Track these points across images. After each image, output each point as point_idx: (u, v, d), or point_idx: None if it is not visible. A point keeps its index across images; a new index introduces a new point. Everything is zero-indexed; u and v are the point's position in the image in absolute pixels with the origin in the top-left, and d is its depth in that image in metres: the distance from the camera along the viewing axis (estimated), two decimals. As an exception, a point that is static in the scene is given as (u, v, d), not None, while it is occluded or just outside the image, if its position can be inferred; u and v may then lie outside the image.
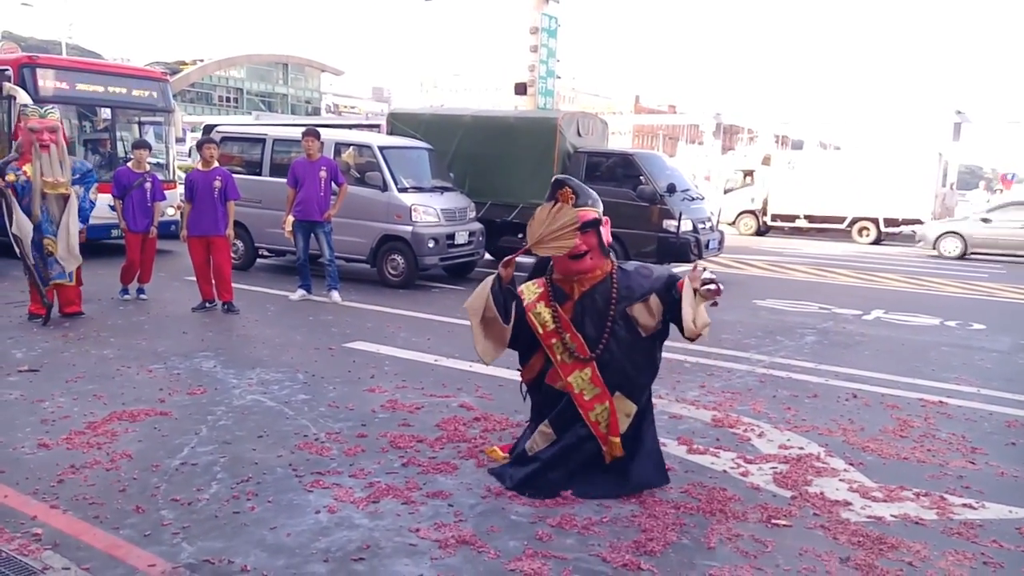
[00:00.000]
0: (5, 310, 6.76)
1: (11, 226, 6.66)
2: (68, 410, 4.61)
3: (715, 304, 3.55)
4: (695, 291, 3.48)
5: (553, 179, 3.79)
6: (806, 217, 22.05)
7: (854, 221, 21.39)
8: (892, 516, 3.56)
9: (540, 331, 3.72)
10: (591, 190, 3.82)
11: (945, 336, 7.97)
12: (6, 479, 3.61)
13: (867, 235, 21.23)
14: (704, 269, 3.56)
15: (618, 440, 3.66)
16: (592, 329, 3.67)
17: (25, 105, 6.97)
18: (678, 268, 11.84)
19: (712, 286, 3.43)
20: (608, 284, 3.73)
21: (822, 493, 3.78)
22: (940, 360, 6.86)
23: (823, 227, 22.15)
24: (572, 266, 3.70)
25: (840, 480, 3.97)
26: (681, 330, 3.56)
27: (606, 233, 3.78)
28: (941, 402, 5.48)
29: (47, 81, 10.63)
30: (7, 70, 10.43)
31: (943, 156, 21.86)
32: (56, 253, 6.78)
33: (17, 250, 6.77)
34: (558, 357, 3.69)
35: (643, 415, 3.76)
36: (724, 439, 4.54)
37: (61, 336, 6.46)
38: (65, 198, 6.76)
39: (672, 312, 3.64)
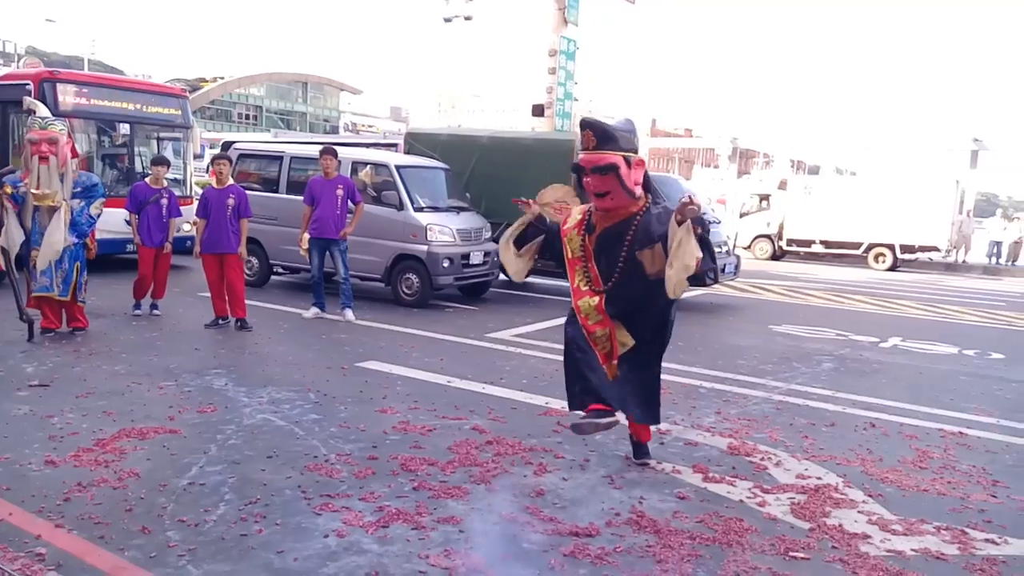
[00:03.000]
0: (17, 324, 6.75)
1: (1, 238, 6.65)
2: (77, 426, 4.58)
3: (700, 234, 3.59)
4: (679, 223, 3.57)
5: (580, 120, 3.88)
6: (822, 242, 21.92)
7: (870, 247, 21.23)
8: (912, 550, 3.46)
9: (568, 255, 4.04)
10: (621, 131, 3.81)
11: (963, 365, 7.84)
12: (11, 496, 3.58)
13: (883, 261, 21.06)
14: (687, 195, 3.68)
15: (615, 363, 3.99)
16: (606, 265, 3.92)
17: (42, 118, 6.99)
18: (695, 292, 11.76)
19: (691, 206, 3.50)
20: (628, 225, 3.85)
21: (841, 525, 3.69)
22: (959, 390, 6.73)
23: (839, 252, 22.00)
24: (597, 203, 3.90)
25: (859, 512, 3.87)
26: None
27: (635, 174, 3.80)
28: (960, 433, 5.37)
29: (67, 96, 10.74)
30: (28, 84, 10.55)
31: (960, 183, 21.71)
32: (36, 263, 6.75)
33: (2, 263, 6.74)
34: (576, 282, 4.02)
35: (647, 354, 4.05)
36: (740, 468, 4.45)
37: (72, 351, 6.46)
38: (54, 210, 6.71)
39: None
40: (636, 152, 3.85)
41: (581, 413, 4.14)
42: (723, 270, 10.79)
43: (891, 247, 20.88)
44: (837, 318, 10.75)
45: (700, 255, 3.56)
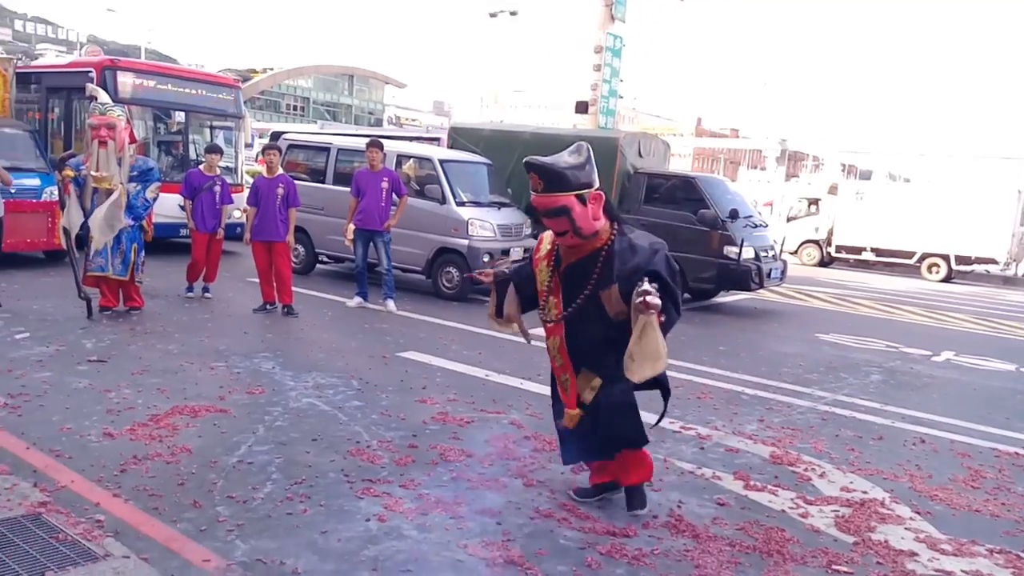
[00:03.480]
0: (78, 302, 6.98)
1: (62, 218, 6.95)
2: (133, 401, 4.73)
3: (663, 321, 3.34)
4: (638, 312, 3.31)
5: (524, 162, 3.57)
6: (873, 250, 21.44)
7: (924, 256, 20.70)
8: (963, 572, 3.39)
9: (539, 285, 3.82)
10: (569, 168, 3.48)
11: (1020, 383, 7.62)
12: (73, 465, 3.72)
13: (937, 272, 20.51)
14: (643, 283, 3.32)
15: (575, 412, 3.68)
16: (570, 301, 3.67)
17: (101, 104, 7.21)
18: (734, 296, 11.63)
19: (646, 297, 3.23)
20: (593, 262, 3.59)
21: (886, 541, 3.63)
22: (1015, 408, 6.55)
23: (890, 261, 21.51)
24: (559, 240, 3.68)
25: (906, 528, 3.80)
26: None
27: (592, 210, 3.51)
28: (1016, 454, 5.22)
29: (126, 83, 11.02)
30: (90, 72, 10.87)
31: (1023, 194, 21.05)
32: (92, 243, 6.96)
33: (64, 242, 7.01)
34: (543, 316, 3.78)
35: (611, 382, 3.62)
36: (783, 477, 4.40)
37: (129, 329, 6.65)
38: (110, 193, 6.90)
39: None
40: (592, 185, 3.52)
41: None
42: (769, 275, 10.63)
43: (946, 257, 20.34)
44: (887, 329, 10.53)
45: (665, 347, 3.35)
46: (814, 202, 23.20)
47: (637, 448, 3.74)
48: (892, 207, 21.11)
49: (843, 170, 48.06)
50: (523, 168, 3.60)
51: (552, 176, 3.47)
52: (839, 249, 21.98)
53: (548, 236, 3.79)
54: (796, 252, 22.29)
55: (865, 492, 4.25)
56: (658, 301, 3.24)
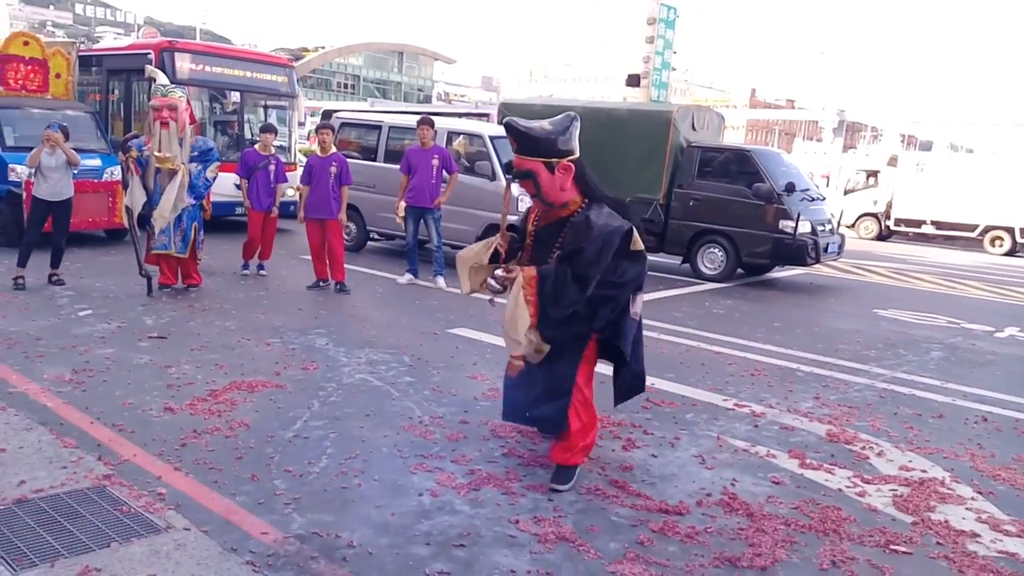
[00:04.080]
0: (139, 280, 7.19)
1: (125, 198, 7.18)
2: (192, 377, 4.87)
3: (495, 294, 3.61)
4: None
5: (503, 122, 3.67)
6: (933, 223, 20.75)
7: (987, 230, 19.96)
8: (1027, 553, 3.29)
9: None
10: (544, 135, 3.53)
11: (1090, 360, 7.31)
12: (135, 439, 3.85)
13: (1000, 245, 19.77)
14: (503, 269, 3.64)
15: (519, 363, 3.63)
16: (536, 263, 3.67)
17: (163, 86, 7.38)
18: (786, 272, 11.37)
19: (489, 279, 3.60)
20: (558, 229, 3.64)
21: (947, 521, 3.54)
22: (1084, 386, 6.29)
23: (952, 235, 20.80)
24: (533, 202, 3.78)
25: (967, 509, 3.70)
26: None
27: (560, 179, 3.55)
28: (1085, 433, 5.03)
29: (184, 65, 11.22)
30: (149, 54, 11.10)
31: (1093, 164, 20.07)
32: (155, 223, 7.14)
33: (126, 222, 7.23)
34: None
35: (554, 357, 3.65)
36: (839, 455, 4.32)
37: (187, 306, 6.83)
38: (174, 173, 7.07)
39: None
40: (567, 155, 3.55)
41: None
42: (826, 249, 10.38)
43: (1010, 230, 19.57)
44: (948, 304, 10.20)
45: (517, 325, 3.44)
46: (872, 174, 22.53)
47: (555, 432, 3.79)
48: (954, 179, 20.37)
49: (902, 141, 46.48)
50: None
51: (525, 140, 3.55)
52: (898, 222, 21.33)
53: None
54: (853, 226, 21.70)
55: (924, 471, 4.14)
56: (497, 287, 3.56)
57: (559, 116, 3.63)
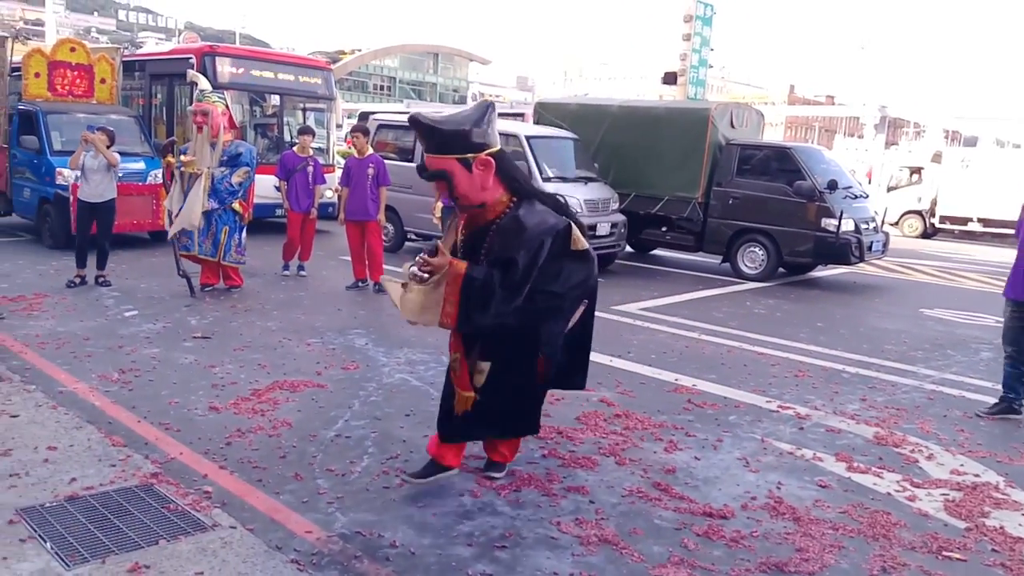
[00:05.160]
0: (181, 281, 7.31)
1: (166, 201, 7.34)
2: (235, 376, 4.94)
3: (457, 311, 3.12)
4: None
5: (408, 117, 3.29)
6: (980, 220, 20.22)
7: (1036, 227, 19.41)
8: (1089, 562, 3.17)
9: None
10: (454, 128, 3.12)
11: None
12: (181, 437, 3.91)
13: (1051, 243, 19.20)
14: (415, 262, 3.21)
15: (468, 395, 3.33)
16: None
17: (201, 91, 7.48)
18: (828, 271, 11.17)
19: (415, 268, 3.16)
20: (484, 234, 3.23)
21: (1002, 527, 3.43)
22: None
23: (999, 232, 20.24)
24: (455, 205, 3.36)
25: (1024, 515, 3.59)
26: None
27: (480, 178, 3.12)
28: None
29: (225, 68, 11.40)
30: (191, 58, 11.30)
31: None
32: (177, 222, 7.21)
33: (166, 224, 7.37)
34: None
35: (506, 368, 3.31)
36: (888, 459, 4.22)
37: (230, 307, 6.93)
38: (198, 177, 7.12)
39: None
40: (484, 148, 3.13)
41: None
42: (869, 248, 10.16)
43: (1061, 228, 19.01)
44: (996, 303, 9.83)
45: (412, 310, 3.15)
46: (916, 171, 22.03)
47: (526, 435, 3.65)
48: (1001, 175, 19.82)
49: (946, 137, 45.44)
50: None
51: (435, 136, 3.12)
52: (943, 220, 20.82)
53: None
54: (897, 223, 21.25)
55: (977, 475, 4.03)
56: (420, 274, 3.12)
57: (471, 106, 3.30)
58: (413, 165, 10.52)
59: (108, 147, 7.41)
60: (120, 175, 7.68)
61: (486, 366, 3.31)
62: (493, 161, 3.14)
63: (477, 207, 3.20)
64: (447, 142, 3.11)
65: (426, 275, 3.13)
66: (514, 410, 3.46)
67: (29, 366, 4.90)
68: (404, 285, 3.19)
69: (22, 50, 11.45)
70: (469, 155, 3.10)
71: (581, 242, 3.20)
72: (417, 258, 3.16)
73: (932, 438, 4.59)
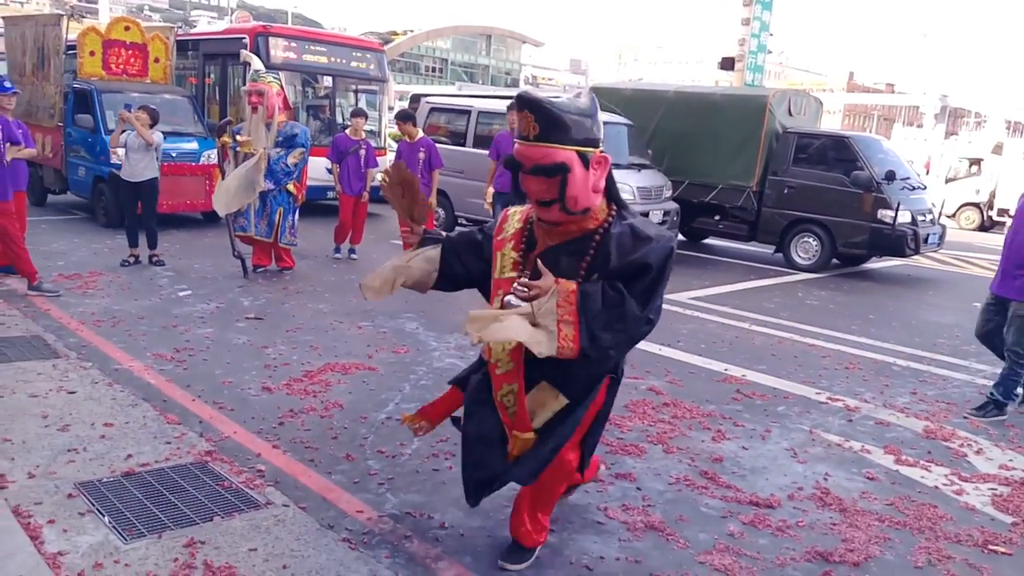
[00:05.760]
0: (234, 262, 7.46)
1: (221, 181, 7.39)
2: (288, 357, 5.06)
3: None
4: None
5: (517, 96, 2.66)
6: (1041, 213, 19.51)
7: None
8: None
9: (496, 273, 2.90)
10: (575, 115, 2.56)
11: None
12: (235, 416, 4.04)
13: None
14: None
15: (527, 436, 2.75)
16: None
17: (256, 71, 7.57)
18: (886, 262, 10.91)
19: (517, 292, 2.61)
20: (583, 247, 2.67)
21: (1053, 525, 3.37)
22: None
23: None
24: (539, 212, 2.71)
25: (1077, 515, 3.52)
26: None
27: (595, 177, 2.61)
28: None
29: (277, 49, 11.43)
30: (244, 38, 11.41)
31: None
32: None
33: (215, 203, 7.39)
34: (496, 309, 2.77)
35: (573, 408, 2.77)
36: (936, 452, 4.16)
37: (282, 288, 7.09)
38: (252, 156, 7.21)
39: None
40: (598, 143, 2.62)
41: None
42: (926, 240, 9.91)
43: None
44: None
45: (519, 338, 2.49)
46: (976, 162, 21.31)
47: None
48: (1065, 167, 19.07)
49: (1008, 127, 43.81)
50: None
51: (553, 120, 2.52)
52: (1002, 213, 20.12)
53: (518, 213, 2.89)
54: (954, 215, 20.63)
55: (1029, 473, 3.96)
56: (524, 295, 2.58)
57: (578, 93, 2.79)
58: (465, 149, 10.65)
59: (151, 127, 7.44)
60: (160, 156, 7.70)
61: (562, 403, 2.78)
62: (609, 159, 2.68)
63: (577, 214, 2.63)
64: (570, 129, 2.55)
65: (528, 300, 2.58)
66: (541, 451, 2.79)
67: (86, 344, 5.04)
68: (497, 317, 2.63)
69: (77, 28, 11.51)
70: (589, 149, 2.59)
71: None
72: (515, 285, 2.66)
73: (982, 433, 4.52)
